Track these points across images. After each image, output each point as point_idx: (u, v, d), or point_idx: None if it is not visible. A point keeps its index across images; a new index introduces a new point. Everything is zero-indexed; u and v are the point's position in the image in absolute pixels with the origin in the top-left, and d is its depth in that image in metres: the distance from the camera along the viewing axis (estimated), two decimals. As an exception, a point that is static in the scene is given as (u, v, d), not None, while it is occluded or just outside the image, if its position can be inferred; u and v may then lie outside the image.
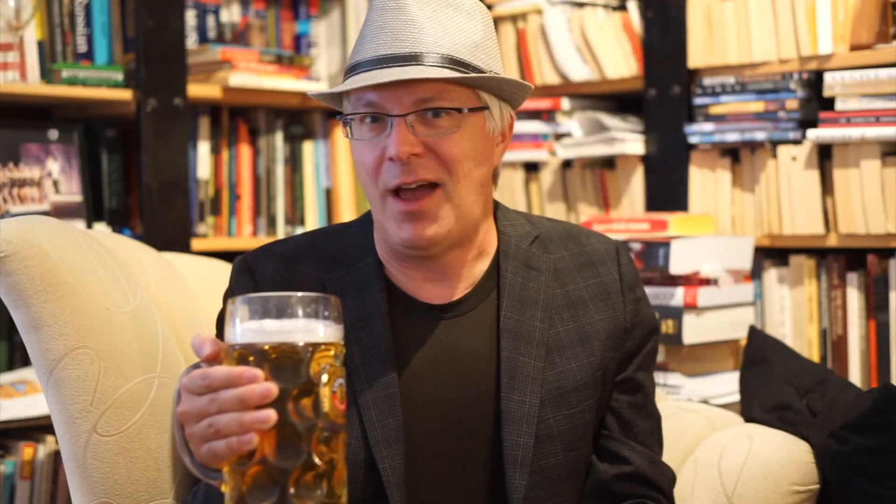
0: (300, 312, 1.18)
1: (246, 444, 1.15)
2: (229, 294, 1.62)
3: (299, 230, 3.08)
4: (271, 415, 1.14)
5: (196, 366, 1.23)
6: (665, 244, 2.43)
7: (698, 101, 2.70)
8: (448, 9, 1.51)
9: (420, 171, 1.47)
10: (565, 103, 2.96)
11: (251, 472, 1.17)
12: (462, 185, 1.50)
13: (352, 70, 1.52)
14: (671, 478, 1.63)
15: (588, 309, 1.60)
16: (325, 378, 1.17)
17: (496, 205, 1.64)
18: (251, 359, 1.17)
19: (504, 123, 1.58)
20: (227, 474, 1.18)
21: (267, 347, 1.17)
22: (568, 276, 1.62)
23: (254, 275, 1.60)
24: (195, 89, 2.78)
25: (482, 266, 1.59)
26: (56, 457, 2.37)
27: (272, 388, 1.15)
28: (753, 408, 2.06)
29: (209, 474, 1.22)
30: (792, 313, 2.58)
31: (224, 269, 2.01)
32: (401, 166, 1.47)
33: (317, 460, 1.16)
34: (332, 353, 1.19)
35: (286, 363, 1.17)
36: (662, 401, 2.14)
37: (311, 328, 1.18)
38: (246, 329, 1.18)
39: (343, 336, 1.21)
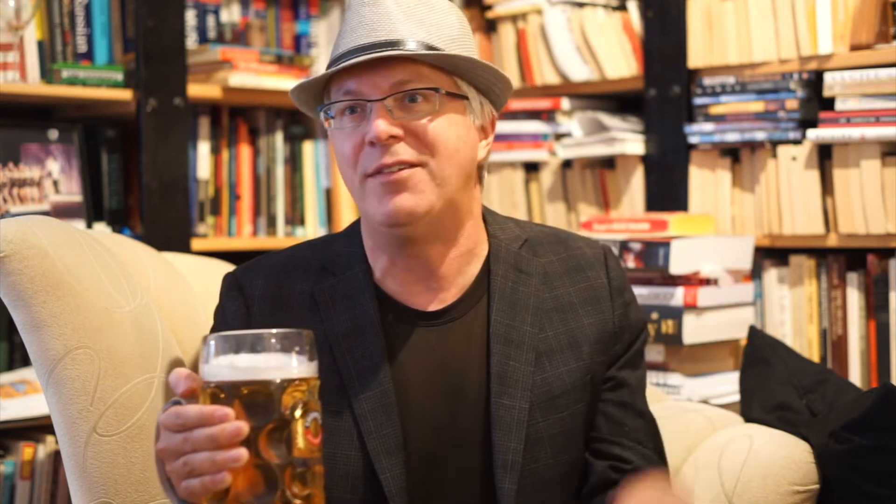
0: (272, 348, 1.19)
1: (219, 483, 1.16)
2: (219, 311, 1.62)
3: (299, 230, 3.08)
4: (242, 454, 1.15)
5: (175, 402, 1.23)
6: (665, 244, 2.43)
7: (698, 101, 2.70)
8: (423, 6, 1.52)
9: (400, 153, 1.47)
10: (565, 103, 2.96)
11: None
12: (446, 165, 1.50)
13: (331, 66, 1.53)
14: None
15: (577, 313, 1.60)
16: (298, 413, 1.18)
17: (485, 209, 1.64)
18: (223, 396, 1.18)
19: (485, 118, 1.58)
20: None
21: (239, 384, 1.18)
22: (557, 281, 1.62)
23: (243, 290, 1.60)
24: (195, 89, 2.78)
25: (473, 270, 1.59)
26: (56, 457, 2.37)
27: (243, 427, 1.15)
28: (753, 408, 2.06)
29: None
30: (792, 313, 2.58)
31: (224, 270, 2.01)
32: (380, 149, 1.47)
33: (291, 497, 1.17)
34: (305, 388, 1.19)
35: (258, 400, 1.17)
36: (662, 401, 2.14)
37: (283, 364, 1.18)
38: (218, 365, 1.18)
39: (317, 370, 1.21)
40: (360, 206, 1.53)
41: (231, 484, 1.16)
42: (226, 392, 1.18)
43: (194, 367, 1.27)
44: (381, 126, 1.46)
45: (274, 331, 1.19)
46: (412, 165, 1.48)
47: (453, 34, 1.53)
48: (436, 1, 1.54)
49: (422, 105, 1.49)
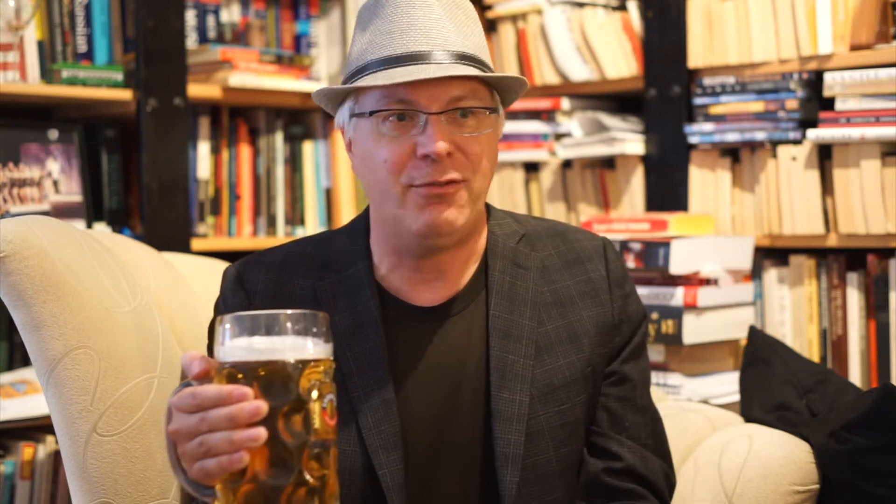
0: (289, 330, 1.18)
1: (236, 463, 1.15)
2: (220, 304, 1.62)
3: (299, 230, 3.08)
4: (261, 433, 1.15)
5: (187, 384, 1.23)
6: (665, 244, 2.43)
7: (698, 101, 2.70)
8: (459, 11, 1.53)
9: (450, 170, 1.48)
10: (565, 103, 2.96)
11: (243, 490, 1.17)
12: (483, 181, 1.53)
13: (374, 66, 1.50)
14: (662, 473, 1.63)
15: (576, 306, 1.61)
16: (314, 395, 1.18)
17: (486, 205, 1.65)
18: (240, 377, 1.17)
19: (503, 127, 1.60)
20: (220, 492, 1.19)
21: (256, 365, 1.17)
22: (555, 274, 1.62)
23: (245, 284, 1.60)
24: (195, 89, 2.78)
25: (472, 266, 1.60)
26: (56, 457, 2.37)
27: (262, 406, 1.15)
28: (753, 408, 2.06)
29: (203, 492, 1.22)
30: (792, 313, 2.58)
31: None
32: (433, 164, 1.47)
33: (308, 477, 1.17)
34: (321, 369, 1.19)
35: (276, 381, 1.17)
36: (662, 401, 2.14)
37: (299, 345, 1.18)
38: (235, 347, 1.18)
39: (332, 352, 1.21)
40: (393, 212, 1.52)
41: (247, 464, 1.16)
42: (243, 372, 1.17)
43: None
44: (442, 144, 1.46)
45: (289, 312, 1.19)
46: (459, 182, 1.49)
47: (482, 42, 1.54)
48: (464, 3, 1.54)
49: (470, 121, 1.50)
